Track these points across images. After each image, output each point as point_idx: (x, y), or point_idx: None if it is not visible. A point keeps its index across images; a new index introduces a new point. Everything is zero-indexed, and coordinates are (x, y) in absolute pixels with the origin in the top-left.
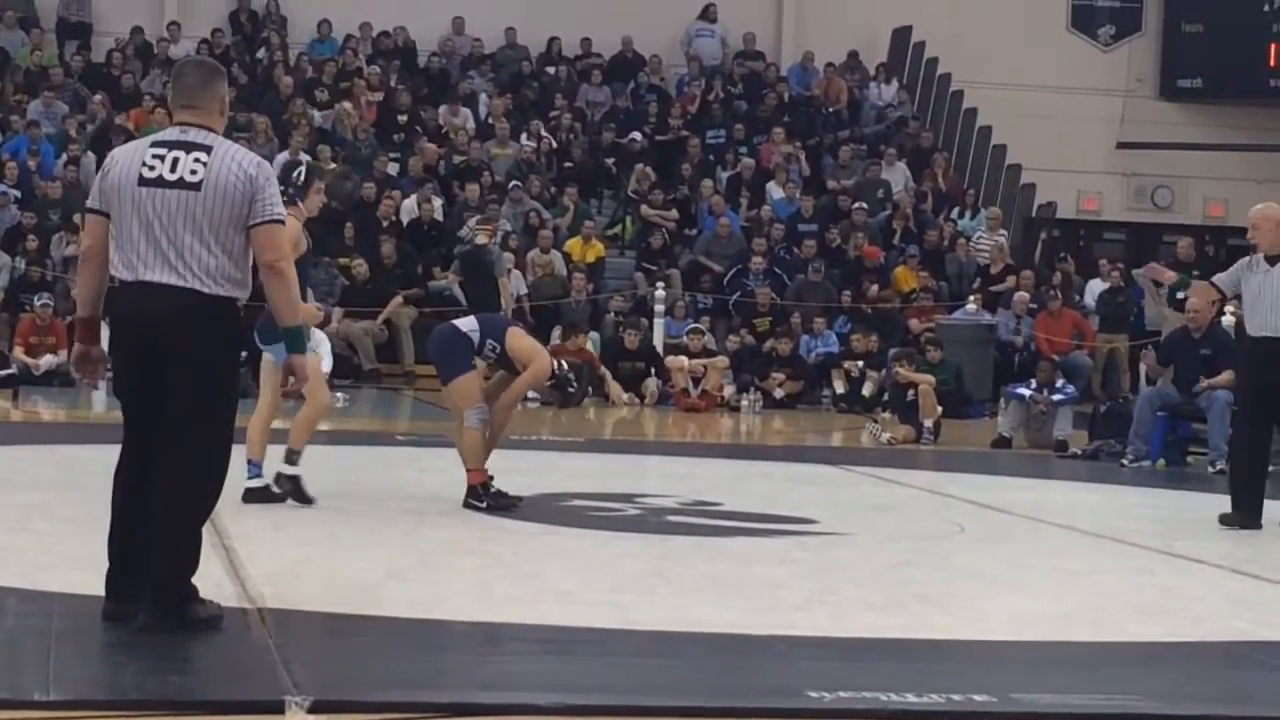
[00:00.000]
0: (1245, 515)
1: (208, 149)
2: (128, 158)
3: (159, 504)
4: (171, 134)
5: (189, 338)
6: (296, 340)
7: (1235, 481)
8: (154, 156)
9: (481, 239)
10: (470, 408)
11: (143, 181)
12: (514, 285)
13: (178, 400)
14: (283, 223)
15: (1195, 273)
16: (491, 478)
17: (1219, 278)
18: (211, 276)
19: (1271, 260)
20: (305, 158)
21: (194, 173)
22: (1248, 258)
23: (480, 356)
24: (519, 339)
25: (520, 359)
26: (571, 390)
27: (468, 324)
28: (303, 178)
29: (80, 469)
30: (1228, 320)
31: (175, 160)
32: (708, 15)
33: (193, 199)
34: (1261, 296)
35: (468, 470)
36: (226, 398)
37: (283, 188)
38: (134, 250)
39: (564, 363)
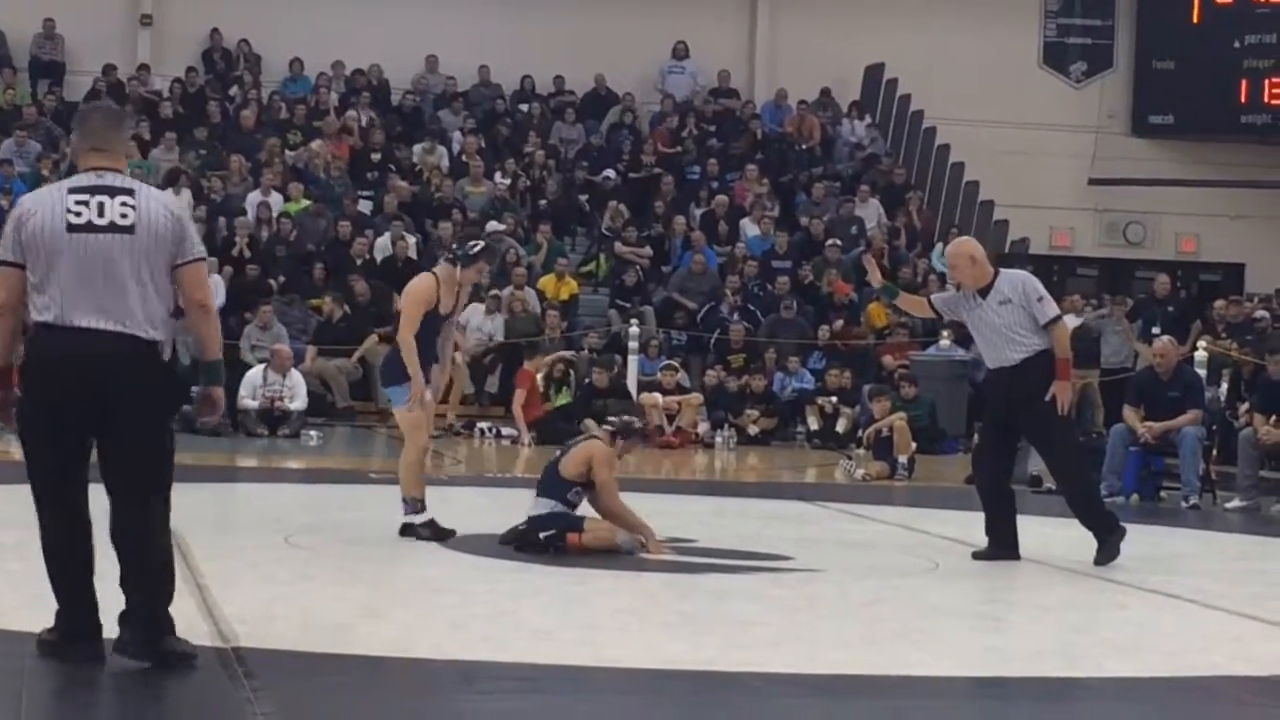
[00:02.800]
0: (1000, 549)
1: (130, 192)
2: (46, 206)
3: (130, 545)
4: (88, 179)
5: (130, 382)
6: (215, 374)
7: (987, 516)
8: (77, 203)
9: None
10: (619, 539)
11: (72, 228)
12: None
13: (127, 441)
14: (205, 260)
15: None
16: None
17: (936, 299)
18: (149, 320)
19: (983, 293)
20: (490, 234)
21: (124, 216)
22: (960, 290)
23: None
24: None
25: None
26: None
27: (547, 506)
28: (475, 250)
29: None
30: (1201, 355)
31: (101, 205)
32: (679, 53)
33: (127, 242)
34: (983, 331)
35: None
36: (169, 431)
37: (455, 246)
38: (65, 296)
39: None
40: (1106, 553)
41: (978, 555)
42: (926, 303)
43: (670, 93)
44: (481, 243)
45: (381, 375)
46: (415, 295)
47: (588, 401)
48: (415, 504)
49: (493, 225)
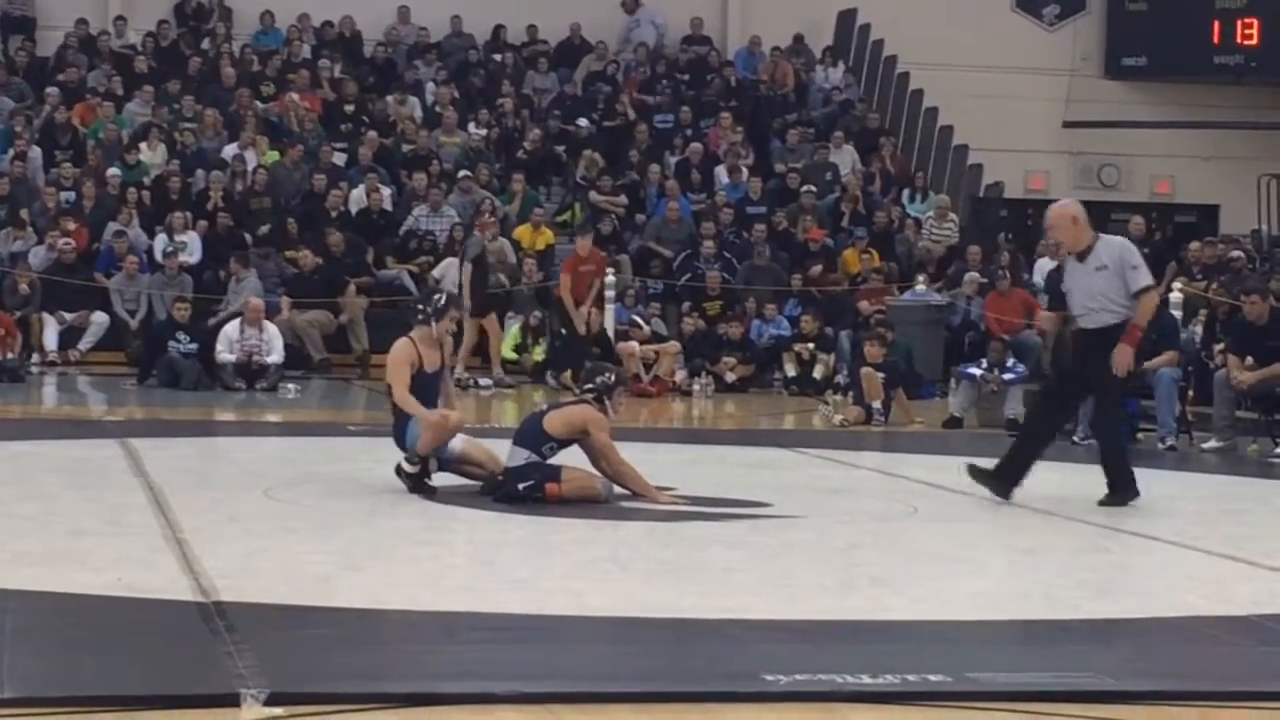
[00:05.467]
0: (1000, 482)
1: None
2: None
3: None
4: None
5: None
6: None
7: (1013, 450)
8: None
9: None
10: (598, 487)
11: None
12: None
13: None
14: None
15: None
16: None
17: (1044, 313)
18: None
19: (1080, 256)
20: (460, 179)
21: None
22: (1059, 261)
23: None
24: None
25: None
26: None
27: (522, 456)
28: (443, 303)
29: (32, 465)
30: (1176, 296)
31: None
32: (628, 7)
33: None
34: (1077, 293)
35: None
36: None
37: (421, 307)
38: None
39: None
40: (1115, 499)
41: (973, 472)
42: (1058, 317)
43: (642, 42)
44: (444, 295)
45: (396, 439)
46: (396, 357)
47: (570, 348)
48: (416, 458)
49: (463, 173)
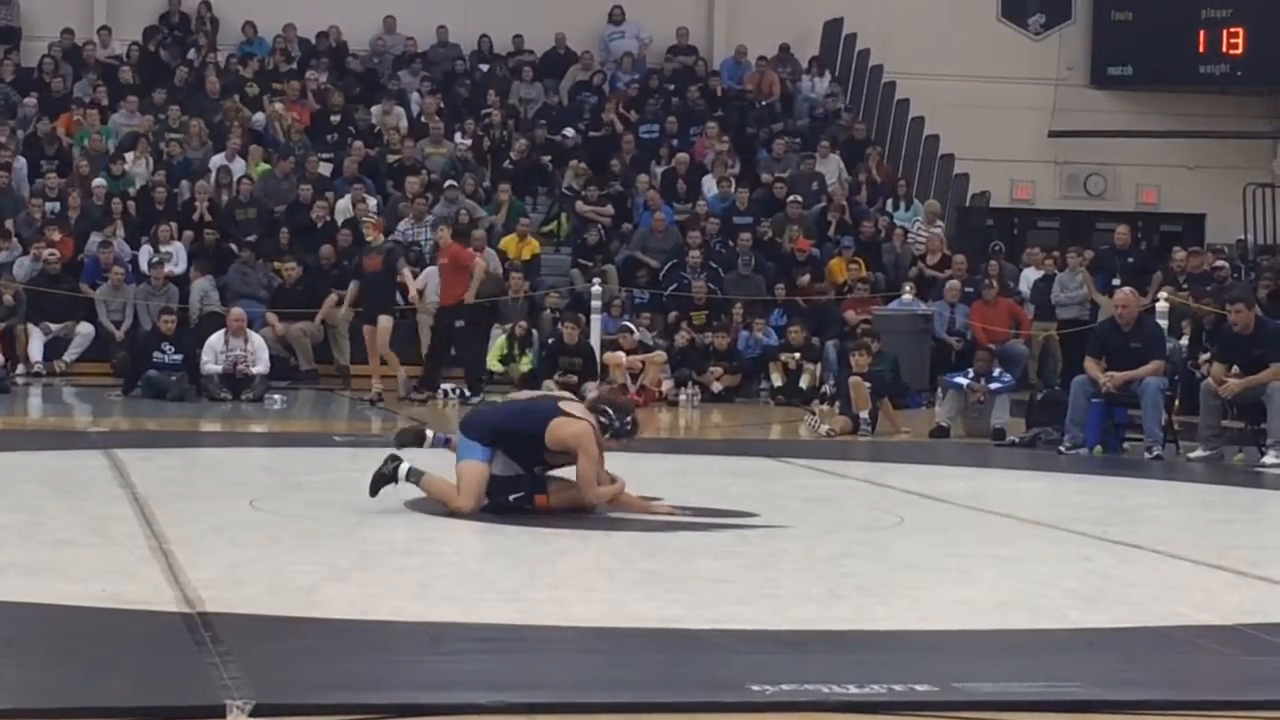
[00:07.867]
0: None
1: None
2: None
3: None
4: None
5: None
6: None
7: None
8: None
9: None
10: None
11: None
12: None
13: None
14: None
15: None
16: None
17: None
18: None
19: None
20: (446, 188)
21: None
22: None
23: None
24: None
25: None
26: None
27: (514, 468)
28: (631, 426)
29: (16, 475)
30: (1162, 306)
31: None
32: (615, 17)
33: None
34: None
35: None
36: None
37: (612, 414)
38: None
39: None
40: None
41: None
42: None
43: (614, 58)
44: (636, 419)
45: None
46: (591, 455)
47: (554, 358)
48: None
49: (449, 183)
